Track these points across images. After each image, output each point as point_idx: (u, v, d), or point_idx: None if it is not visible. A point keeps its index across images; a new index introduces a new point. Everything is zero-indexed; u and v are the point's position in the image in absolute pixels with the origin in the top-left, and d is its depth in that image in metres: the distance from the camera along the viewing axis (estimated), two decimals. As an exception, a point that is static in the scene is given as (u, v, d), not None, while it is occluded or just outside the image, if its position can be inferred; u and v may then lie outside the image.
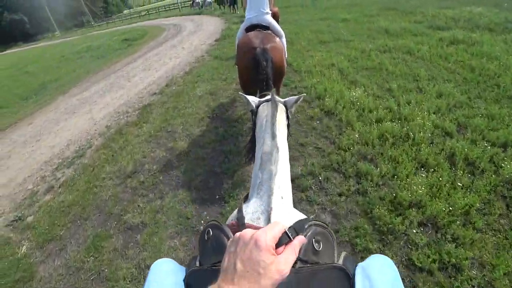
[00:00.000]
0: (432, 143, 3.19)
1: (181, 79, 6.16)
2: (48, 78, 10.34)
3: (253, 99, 1.32)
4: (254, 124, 1.22)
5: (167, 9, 36.01)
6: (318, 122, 3.69)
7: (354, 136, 3.29)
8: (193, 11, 25.40)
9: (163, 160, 3.54)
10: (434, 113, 3.67)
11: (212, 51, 8.04)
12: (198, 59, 7.52)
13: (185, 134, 3.93)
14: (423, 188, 2.53)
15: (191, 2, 27.70)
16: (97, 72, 9.28)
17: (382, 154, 3.06)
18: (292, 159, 3.15)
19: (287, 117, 1.23)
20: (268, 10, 3.11)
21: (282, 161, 0.92)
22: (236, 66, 3.15)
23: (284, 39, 3.22)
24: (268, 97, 1.19)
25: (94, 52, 13.78)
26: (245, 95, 1.37)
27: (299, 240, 0.50)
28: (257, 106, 1.24)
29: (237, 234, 0.49)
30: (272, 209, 0.76)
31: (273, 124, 0.98)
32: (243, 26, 3.22)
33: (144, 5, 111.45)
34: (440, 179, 2.62)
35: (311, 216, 0.90)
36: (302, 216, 0.81)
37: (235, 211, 0.82)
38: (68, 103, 6.67)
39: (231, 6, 19.39)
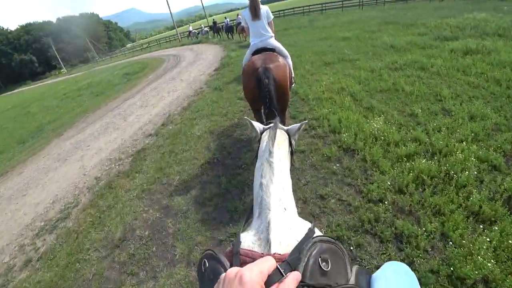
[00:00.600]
0: (481, 182, 2.58)
1: (178, 116, 5.73)
2: (47, 119, 10.13)
3: (258, 126, 1.30)
4: (257, 149, 1.18)
5: (167, 40, 36.96)
6: (337, 164, 3.11)
7: (385, 182, 2.69)
8: (192, 40, 25.93)
9: (157, 224, 2.97)
10: (472, 142, 3.09)
11: (211, 82, 7.69)
12: (197, 92, 7.14)
13: (183, 187, 3.38)
14: (488, 254, 1.90)
15: (187, 32, 28.67)
16: (94, 110, 8.99)
17: (423, 204, 2.45)
18: (312, 216, 2.56)
19: (290, 144, 1.21)
20: (271, 33, 3.19)
21: (279, 175, 0.93)
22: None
23: (289, 59, 3.24)
24: (272, 123, 1.15)
25: (94, 89, 13.70)
26: (250, 121, 1.34)
27: (294, 278, 0.47)
28: (261, 133, 1.24)
29: (223, 274, 0.47)
30: (271, 229, 0.73)
31: (272, 144, 0.98)
32: (249, 51, 3.26)
33: (146, 38, 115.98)
34: (505, 237, 1.99)
35: (312, 223, 0.77)
36: (307, 225, 0.80)
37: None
38: (61, 148, 6.26)
39: (228, 33, 19.94)
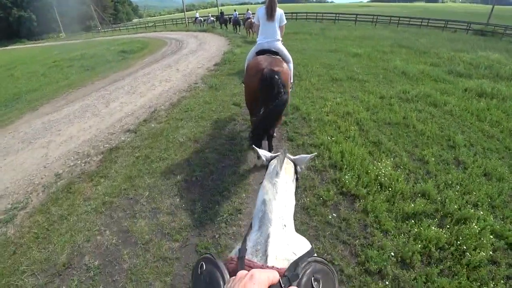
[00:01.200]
0: (497, 266, 2.19)
1: (164, 113, 5.17)
2: (28, 87, 9.32)
3: (264, 154, 1.33)
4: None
5: (174, 23, 35.83)
6: (334, 213, 2.65)
7: (386, 249, 2.25)
8: (199, 27, 25.18)
9: (111, 253, 2.46)
10: (488, 209, 2.70)
11: (208, 78, 7.13)
12: (190, 87, 6.58)
13: (150, 208, 2.86)
14: None
15: (194, 18, 28.22)
16: (79, 87, 8.29)
17: (428, 286, 2.03)
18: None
19: (296, 172, 1.23)
20: (279, 37, 3.24)
21: (283, 194, 0.98)
22: (243, 85, 3.27)
23: (291, 64, 3.32)
24: (279, 153, 1.18)
25: (86, 61, 12.87)
26: (257, 149, 1.37)
27: None
28: (268, 160, 1.25)
29: (232, 277, 0.51)
30: (270, 242, 0.77)
31: (280, 167, 1.03)
32: (254, 50, 3.30)
33: (154, 16, 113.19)
34: None
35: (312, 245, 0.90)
36: (304, 242, 0.89)
37: (240, 244, 0.85)
38: (30, 126, 5.60)
39: (234, 26, 19.60)
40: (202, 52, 11.64)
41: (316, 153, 1.62)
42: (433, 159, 3.48)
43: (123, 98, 6.41)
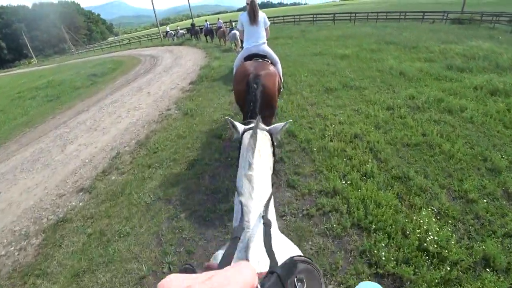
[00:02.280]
0: None
1: (129, 157, 4.17)
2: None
3: (239, 126, 1.24)
4: (239, 149, 1.14)
5: (149, 38, 34.73)
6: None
7: None
8: (174, 41, 24.60)
9: None
10: None
11: (182, 102, 6.18)
12: (162, 116, 5.61)
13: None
14: None
15: (165, 33, 28.01)
16: (37, 124, 7.19)
17: None
18: None
19: (272, 144, 1.19)
20: (264, 40, 3.27)
21: (260, 188, 0.91)
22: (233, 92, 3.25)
23: (279, 65, 3.33)
24: (253, 124, 1.11)
25: (51, 90, 11.70)
26: (231, 121, 1.26)
27: None
28: (243, 133, 1.17)
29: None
30: (250, 248, 0.72)
31: (252, 154, 0.94)
32: (241, 55, 3.30)
33: (130, 33, 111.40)
34: None
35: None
36: (289, 244, 0.85)
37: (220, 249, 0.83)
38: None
39: (207, 36, 19.37)
40: (177, 68, 10.69)
41: (290, 120, 1.52)
42: (477, 195, 2.65)
43: (83, 137, 5.38)
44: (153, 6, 28.35)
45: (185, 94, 6.71)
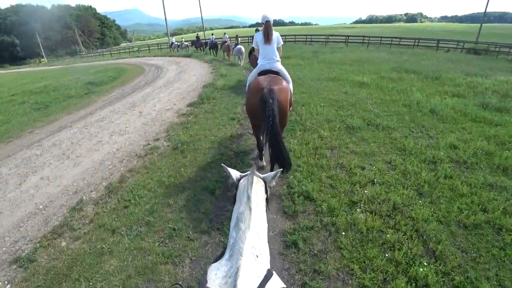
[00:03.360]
0: None
1: (92, 210, 3.14)
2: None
3: (234, 173, 1.32)
4: (234, 198, 1.20)
5: (159, 47, 34.50)
6: None
7: None
8: (180, 52, 24.41)
9: None
10: None
11: (175, 130, 5.20)
12: (146, 148, 4.61)
13: None
14: None
15: (170, 44, 28.62)
16: (11, 139, 6.24)
17: None
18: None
19: (266, 191, 1.26)
20: (278, 58, 3.43)
21: (256, 221, 0.96)
22: (244, 107, 3.59)
23: (291, 85, 3.43)
24: (248, 171, 1.22)
25: (43, 97, 10.85)
26: (227, 168, 1.33)
27: None
28: (238, 180, 1.26)
29: None
30: (240, 275, 0.75)
31: (250, 189, 1.02)
32: (255, 71, 3.46)
33: (143, 40, 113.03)
34: None
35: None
36: (275, 279, 0.84)
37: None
38: None
39: (212, 50, 19.68)
40: (179, 84, 9.82)
41: (281, 169, 1.50)
42: None
43: (51, 166, 4.39)
44: (165, 16, 28.35)
45: (180, 119, 5.75)
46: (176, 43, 26.63)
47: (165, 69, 14.76)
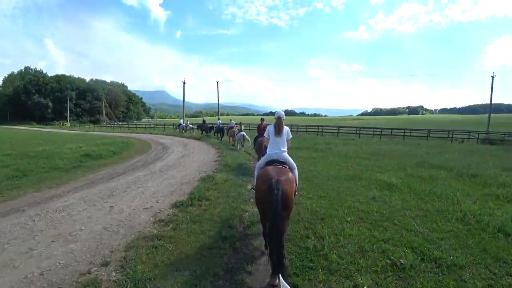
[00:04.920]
0: None
1: None
2: None
3: None
4: None
5: (174, 127, 35.75)
6: None
7: None
8: (188, 134, 25.42)
9: None
10: None
11: (137, 251, 3.48)
12: (82, 278, 2.90)
13: None
14: None
15: (178, 125, 30.51)
16: None
17: None
18: None
19: None
20: (285, 149, 3.79)
21: None
22: (254, 190, 3.73)
23: (296, 171, 3.74)
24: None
25: (29, 163, 9.76)
26: (283, 282, 1.35)
27: None
28: None
29: None
30: None
31: None
32: (263, 160, 3.77)
33: (165, 119, 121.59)
34: None
35: None
36: None
37: None
38: None
39: (217, 134, 20.28)
40: (175, 171, 8.63)
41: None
42: None
43: None
44: (183, 100, 30.81)
45: (153, 230, 4.09)
46: (182, 124, 28.17)
47: (170, 151, 14.12)
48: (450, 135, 25.41)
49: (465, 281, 2.92)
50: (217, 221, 4.44)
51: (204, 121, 24.95)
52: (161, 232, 3.98)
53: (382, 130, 26.77)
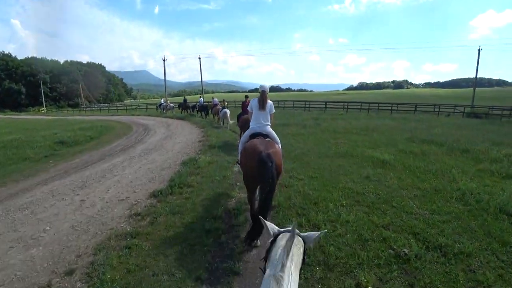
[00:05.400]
0: None
1: None
2: None
3: (272, 228, 1.27)
4: (268, 251, 1.15)
5: (155, 106, 34.56)
6: None
7: None
8: (170, 114, 24.92)
9: None
10: None
11: (107, 253, 3.02)
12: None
13: None
14: None
15: (158, 104, 30.29)
16: None
17: None
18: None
19: (304, 252, 1.18)
20: (269, 123, 3.81)
21: None
22: (239, 164, 3.83)
23: (279, 145, 3.72)
24: (288, 228, 1.16)
25: (1, 153, 9.06)
26: (264, 221, 1.30)
27: None
28: (276, 235, 1.20)
29: None
30: None
31: (286, 257, 0.95)
32: (247, 133, 3.77)
33: (148, 99, 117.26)
34: None
35: None
36: None
37: None
38: None
39: (201, 112, 19.63)
40: (156, 154, 8.08)
41: (325, 230, 1.42)
42: None
43: None
44: (165, 79, 29.50)
45: (128, 226, 3.65)
46: (163, 104, 27.90)
47: (152, 132, 13.39)
48: (437, 109, 25.58)
49: (474, 271, 2.68)
50: (200, 211, 4.02)
51: (185, 99, 24.64)
52: (136, 229, 3.53)
53: (370, 104, 26.59)
